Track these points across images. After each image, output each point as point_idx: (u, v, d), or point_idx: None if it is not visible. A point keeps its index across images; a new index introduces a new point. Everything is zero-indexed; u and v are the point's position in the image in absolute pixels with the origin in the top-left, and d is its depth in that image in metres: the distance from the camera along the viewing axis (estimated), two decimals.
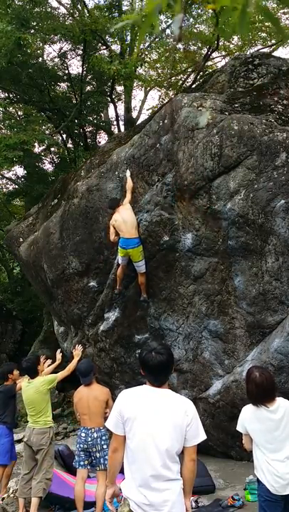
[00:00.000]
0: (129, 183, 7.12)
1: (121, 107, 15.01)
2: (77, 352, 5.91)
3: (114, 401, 3.06)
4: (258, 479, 3.43)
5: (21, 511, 5.15)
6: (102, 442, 5.07)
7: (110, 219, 7.05)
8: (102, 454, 5.03)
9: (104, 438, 5.08)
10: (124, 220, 6.83)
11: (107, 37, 12.24)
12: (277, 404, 3.35)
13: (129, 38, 12.65)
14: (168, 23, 12.62)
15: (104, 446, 5.02)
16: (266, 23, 12.62)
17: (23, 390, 5.45)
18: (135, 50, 12.94)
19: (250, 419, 3.40)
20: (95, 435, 5.11)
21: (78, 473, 5.21)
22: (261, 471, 3.34)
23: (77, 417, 5.44)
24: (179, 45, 13.72)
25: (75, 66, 23.11)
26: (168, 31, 12.90)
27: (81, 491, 5.09)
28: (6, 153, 10.05)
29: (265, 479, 3.30)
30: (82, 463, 5.18)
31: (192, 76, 14.26)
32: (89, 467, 5.25)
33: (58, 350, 6.36)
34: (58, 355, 6.17)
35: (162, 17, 12.21)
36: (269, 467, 3.29)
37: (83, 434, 5.17)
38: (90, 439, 5.11)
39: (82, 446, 5.15)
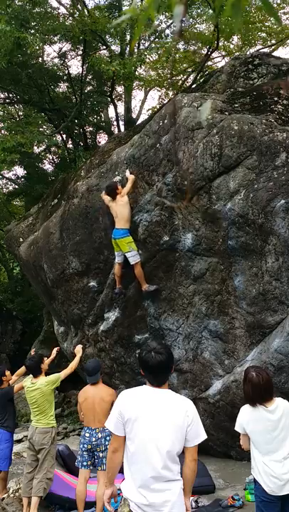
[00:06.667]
0: (131, 176, 7.15)
1: (121, 107, 15.02)
2: (78, 349, 5.92)
3: None
4: (254, 479, 3.43)
5: (25, 510, 5.14)
6: (107, 443, 5.01)
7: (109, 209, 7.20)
8: (105, 454, 4.99)
9: (108, 438, 5.04)
10: (116, 213, 6.97)
11: (107, 37, 12.24)
12: (275, 404, 3.35)
13: (128, 37, 12.65)
14: (168, 23, 12.65)
15: (108, 447, 4.99)
16: (266, 23, 12.64)
17: (26, 390, 5.44)
18: (135, 51, 12.94)
19: (248, 419, 3.39)
20: (100, 435, 5.08)
21: (81, 474, 5.18)
22: (258, 472, 3.33)
23: (81, 416, 5.40)
24: (179, 45, 13.74)
25: (75, 66, 23.17)
26: (167, 31, 12.92)
27: (83, 492, 5.07)
28: (3, 156, 10.03)
29: (261, 480, 3.29)
30: (85, 463, 5.15)
31: (192, 76, 14.26)
32: (91, 467, 5.24)
33: (55, 349, 6.36)
34: (54, 350, 6.23)
35: (162, 17, 12.23)
36: (265, 468, 3.28)
37: (87, 435, 5.14)
38: (94, 439, 5.09)
39: (86, 446, 5.11)
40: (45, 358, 5.75)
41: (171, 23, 12.27)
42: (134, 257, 6.91)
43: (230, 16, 1.38)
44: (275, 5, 13.32)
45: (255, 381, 3.34)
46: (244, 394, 3.48)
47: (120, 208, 6.92)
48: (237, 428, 3.50)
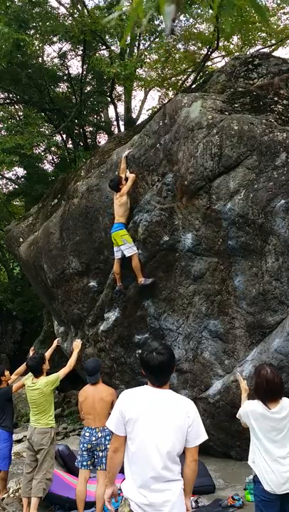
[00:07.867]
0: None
1: (121, 107, 15.02)
2: (77, 344, 5.90)
3: None
4: (254, 479, 3.43)
5: (25, 510, 5.14)
6: (107, 442, 5.02)
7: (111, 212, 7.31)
8: (105, 453, 4.99)
9: (108, 438, 5.04)
10: (114, 209, 7.16)
11: (107, 37, 12.24)
12: (281, 404, 3.36)
13: (129, 38, 12.64)
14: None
15: (108, 446, 5.00)
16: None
17: (26, 389, 5.44)
18: (135, 51, 12.94)
19: (252, 412, 3.40)
20: (100, 435, 5.08)
21: (80, 474, 5.18)
22: (258, 469, 3.34)
23: (81, 415, 5.41)
24: (179, 45, 13.74)
25: (75, 66, 23.14)
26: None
27: (83, 492, 5.07)
28: (2, 157, 10.02)
29: (261, 477, 3.31)
30: (84, 463, 5.15)
31: (192, 76, 14.26)
32: (91, 467, 5.24)
33: (56, 340, 6.57)
34: (55, 341, 6.40)
35: (162, 17, 12.19)
36: (266, 466, 3.30)
37: (87, 434, 5.14)
38: (94, 438, 5.08)
39: (86, 446, 5.11)
40: (46, 356, 5.77)
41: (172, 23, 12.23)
42: (128, 249, 6.93)
43: (215, 12, 1.40)
44: (275, 5, 13.34)
45: (270, 376, 3.35)
46: (255, 388, 3.44)
47: (117, 207, 7.07)
48: (238, 415, 3.54)
